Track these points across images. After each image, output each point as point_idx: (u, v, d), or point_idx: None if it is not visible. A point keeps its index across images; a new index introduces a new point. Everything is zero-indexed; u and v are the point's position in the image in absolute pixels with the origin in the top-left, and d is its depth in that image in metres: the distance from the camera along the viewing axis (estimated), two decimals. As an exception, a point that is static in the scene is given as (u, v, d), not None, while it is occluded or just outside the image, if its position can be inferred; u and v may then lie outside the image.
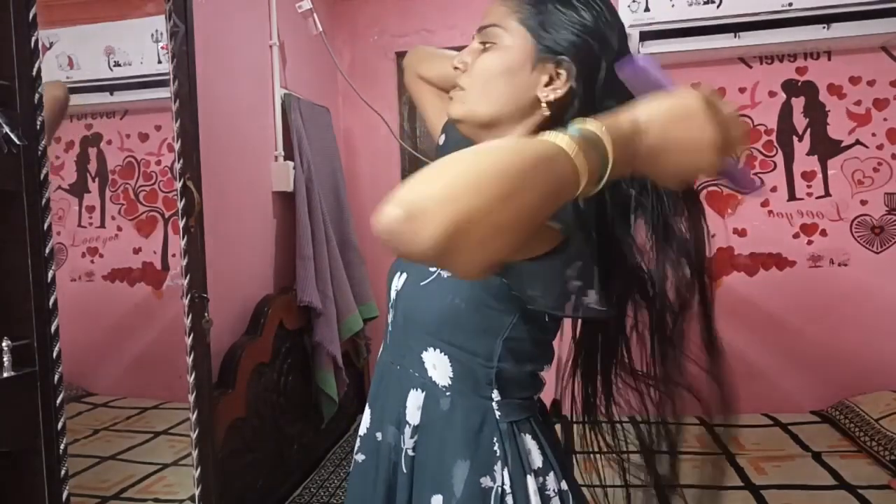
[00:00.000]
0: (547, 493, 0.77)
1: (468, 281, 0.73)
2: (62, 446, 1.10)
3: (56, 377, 1.09)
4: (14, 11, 1.02)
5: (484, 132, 0.80)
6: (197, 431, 1.49)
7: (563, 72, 0.73)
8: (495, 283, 0.73)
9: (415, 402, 0.81)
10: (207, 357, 1.55)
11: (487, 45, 0.77)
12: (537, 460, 0.78)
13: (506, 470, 0.75)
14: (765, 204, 2.51)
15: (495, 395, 0.78)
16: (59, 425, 1.09)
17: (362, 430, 0.90)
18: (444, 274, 0.77)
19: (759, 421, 2.33)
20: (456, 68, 0.81)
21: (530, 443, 0.78)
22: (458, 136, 0.97)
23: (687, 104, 0.54)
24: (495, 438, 0.76)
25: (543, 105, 0.75)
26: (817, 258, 2.48)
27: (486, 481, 0.75)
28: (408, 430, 0.81)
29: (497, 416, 0.77)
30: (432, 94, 1.05)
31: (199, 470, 1.49)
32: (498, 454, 0.76)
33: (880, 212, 2.43)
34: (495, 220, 0.44)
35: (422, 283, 0.80)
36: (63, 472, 1.10)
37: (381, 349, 0.93)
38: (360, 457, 0.90)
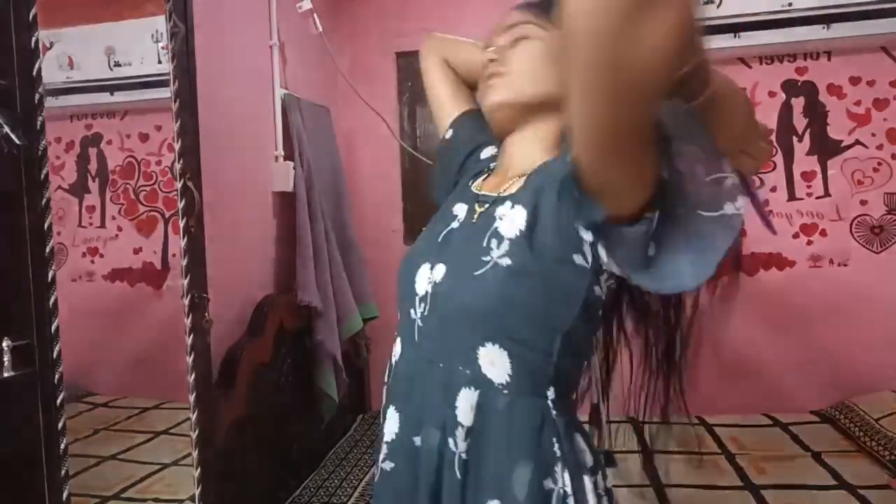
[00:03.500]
0: (599, 491, 0.74)
1: (533, 270, 0.71)
2: (62, 446, 1.10)
3: (56, 377, 1.09)
4: (14, 11, 1.02)
5: (526, 115, 0.82)
6: (197, 431, 1.49)
7: None
8: (562, 269, 0.71)
9: (467, 401, 0.74)
10: (207, 357, 1.55)
11: (519, 39, 0.79)
12: (589, 460, 0.76)
13: (566, 471, 0.72)
14: (765, 204, 2.51)
15: (551, 392, 0.74)
16: (59, 425, 1.09)
17: (389, 437, 0.82)
18: (502, 262, 0.72)
19: (759, 421, 2.33)
20: (491, 60, 0.82)
21: (582, 442, 0.76)
22: (466, 135, 0.97)
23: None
24: (554, 438, 0.73)
25: None
26: (817, 258, 2.48)
27: (548, 483, 0.72)
28: (460, 433, 0.74)
29: (554, 415, 0.74)
30: (451, 82, 1.02)
31: (199, 470, 1.49)
32: (557, 454, 0.73)
33: (880, 212, 2.43)
34: None
35: (476, 273, 0.73)
36: (63, 472, 1.10)
37: (398, 347, 0.86)
38: (388, 465, 0.82)
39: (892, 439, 1.91)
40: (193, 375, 1.49)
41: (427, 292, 0.80)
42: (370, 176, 2.96)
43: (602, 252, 0.69)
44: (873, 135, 2.42)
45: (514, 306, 0.72)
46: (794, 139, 2.49)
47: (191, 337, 1.49)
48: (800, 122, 2.48)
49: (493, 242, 0.74)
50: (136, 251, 1.58)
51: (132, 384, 1.59)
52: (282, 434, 2.14)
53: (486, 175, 0.91)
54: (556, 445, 0.73)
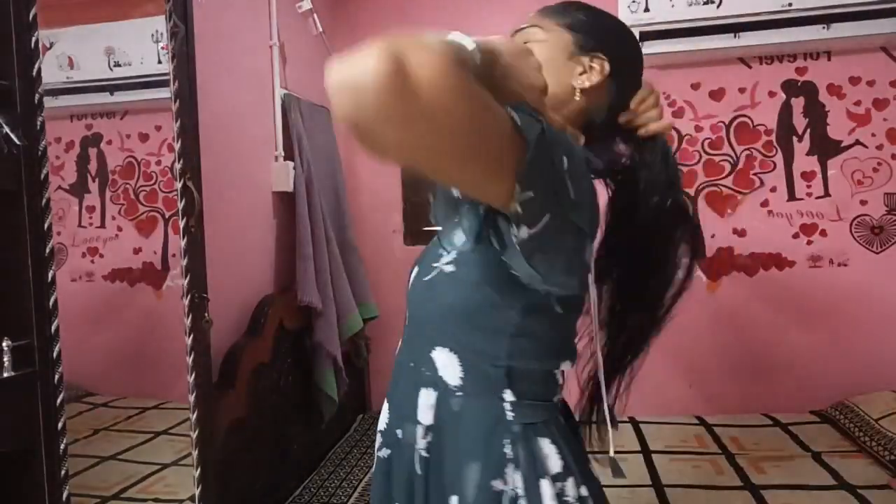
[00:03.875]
0: (566, 498, 0.74)
1: (470, 277, 0.74)
2: (62, 446, 1.10)
3: (56, 377, 1.09)
4: (14, 11, 1.02)
5: None
6: (197, 431, 1.49)
7: (595, 65, 0.80)
8: (496, 274, 0.72)
9: (426, 400, 0.79)
10: (207, 357, 1.55)
11: (527, 42, 0.82)
12: (555, 465, 0.75)
13: (518, 473, 0.73)
14: (765, 204, 2.51)
15: (508, 395, 0.76)
16: (59, 425, 1.10)
17: (381, 426, 0.89)
18: (446, 269, 0.76)
19: (759, 421, 2.33)
20: None
21: (548, 447, 0.75)
22: None
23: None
24: (506, 440, 0.74)
25: (577, 93, 0.81)
26: (817, 258, 2.48)
27: (497, 484, 0.73)
28: (420, 430, 0.79)
29: (510, 418, 0.75)
30: None
31: (199, 470, 1.49)
32: (509, 457, 0.74)
33: (880, 212, 2.43)
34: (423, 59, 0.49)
35: (425, 279, 0.79)
36: (63, 472, 1.10)
37: (399, 344, 0.91)
38: (383, 452, 0.88)
39: (892, 439, 1.91)
40: (193, 375, 1.49)
41: (408, 293, 0.87)
42: (370, 176, 2.96)
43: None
44: (873, 135, 2.42)
45: (456, 313, 0.76)
46: (794, 139, 2.49)
47: (191, 337, 1.49)
48: (800, 122, 2.48)
49: (446, 249, 0.79)
50: (136, 251, 1.58)
51: (132, 384, 1.59)
52: (282, 434, 2.14)
53: None
54: (509, 447, 0.74)
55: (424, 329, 0.81)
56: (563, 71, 0.81)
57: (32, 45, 1.05)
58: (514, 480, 0.73)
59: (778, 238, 2.50)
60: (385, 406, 0.89)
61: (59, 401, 1.09)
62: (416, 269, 0.86)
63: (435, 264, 0.78)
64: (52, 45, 1.32)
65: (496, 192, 0.60)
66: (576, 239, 0.66)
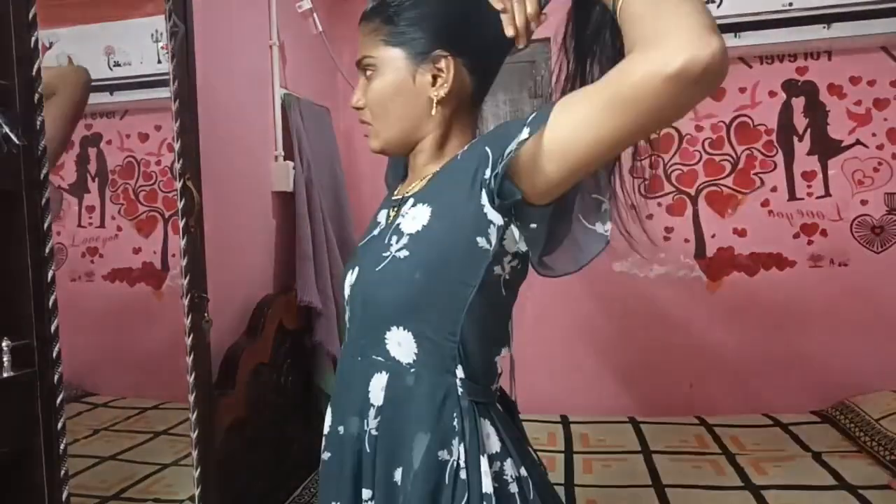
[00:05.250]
0: (505, 477, 0.78)
1: (428, 255, 0.78)
2: (62, 446, 1.10)
3: (56, 377, 1.08)
4: (14, 11, 1.02)
5: (405, 149, 0.89)
6: (197, 431, 1.49)
7: (441, 65, 0.81)
8: (456, 250, 0.77)
9: (378, 384, 0.82)
10: (207, 357, 1.55)
11: (370, 74, 0.85)
12: (495, 445, 0.79)
13: (462, 445, 0.77)
14: (765, 204, 2.51)
15: (459, 371, 0.79)
16: (59, 425, 1.09)
17: (326, 430, 0.92)
18: (399, 255, 0.79)
19: (759, 421, 2.33)
20: (357, 108, 0.89)
21: (489, 428, 0.80)
22: None
23: None
24: (455, 414, 0.78)
25: (436, 105, 0.82)
26: (817, 258, 2.48)
27: (443, 454, 0.77)
28: (372, 412, 0.83)
29: (459, 393, 0.79)
30: None
31: (199, 470, 1.49)
32: (457, 429, 0.77)
33: (880, 212, 2.43)
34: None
35: (377, 269, 0.81)
36: (63, 472, 1.10)
37: (340, 356, 0.94)
38: (325, 455, 0.91)
39: (893, 439, 1.91)
40: (193, 375, 1.49)
41: (348, 296, 0.89)
42: (370, 176, 2.95)
43: (515, 233, 0.78)
44: (873, 135, 2.42)
45: (414, 290, 0.78)
46: (795, 139, 2.48)
47: (190, 337, 1.49)
48: (800, 122, 2.48)
49: (394, 239, 0.81)
50: (136, 251, 1.58)
51: (132, 384, 1.59)
52: (282, 434, 2.14)
53: (403, 181, 0.98)
54: (458, 420, 0.78)
55: (379, 315, 0.83)
56: (416, 91, 0.83)
57: (32, 44, 1.05)
58: (458, 452, 0.77)
59: (778, 238, 2.50)
60: (328, 410, 0.93)
61: (58, 401, 1.09)
62: (356, 269, 0.88)
63: (385, 254, 0.81)
64: (51, 45, 1.32)
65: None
66: None
